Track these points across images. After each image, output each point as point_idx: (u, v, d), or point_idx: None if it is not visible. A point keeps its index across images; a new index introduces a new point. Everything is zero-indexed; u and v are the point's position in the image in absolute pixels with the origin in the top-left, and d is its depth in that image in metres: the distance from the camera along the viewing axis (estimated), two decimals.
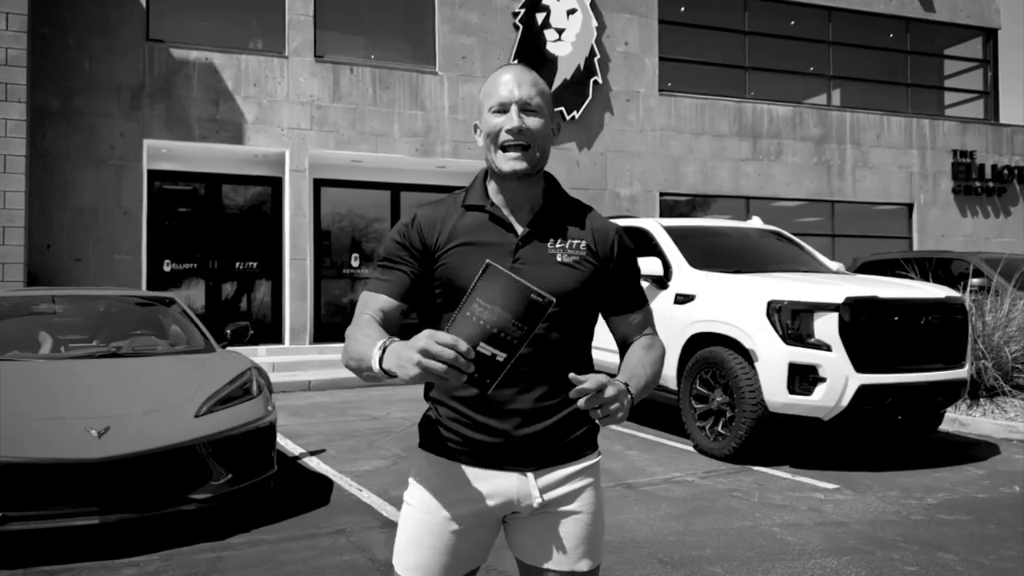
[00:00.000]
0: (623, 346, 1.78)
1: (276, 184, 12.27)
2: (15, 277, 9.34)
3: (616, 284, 1.73)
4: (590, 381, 1.41)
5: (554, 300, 1.34)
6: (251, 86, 11.54)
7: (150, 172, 11.43)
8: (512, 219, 1.68)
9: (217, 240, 12.15)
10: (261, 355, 11.16)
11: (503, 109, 1.62)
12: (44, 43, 10.54)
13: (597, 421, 1.45)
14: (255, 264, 12.40)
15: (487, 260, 1.34)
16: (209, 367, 4.83)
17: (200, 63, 11.31)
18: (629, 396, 1.54)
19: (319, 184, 12.67)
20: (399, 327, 1.66)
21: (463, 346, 1.30)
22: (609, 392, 1.43)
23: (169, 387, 4.44)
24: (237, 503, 4.24)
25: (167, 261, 11.83)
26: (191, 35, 11.52)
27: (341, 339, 1.74)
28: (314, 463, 5.75)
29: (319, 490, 5.05)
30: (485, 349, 1.34)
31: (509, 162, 1.61)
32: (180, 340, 5.49)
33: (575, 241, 1.68)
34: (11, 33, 9.39)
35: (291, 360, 10.82)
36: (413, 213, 1.72)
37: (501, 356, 1.35)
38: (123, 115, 10.93)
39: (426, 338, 1.31)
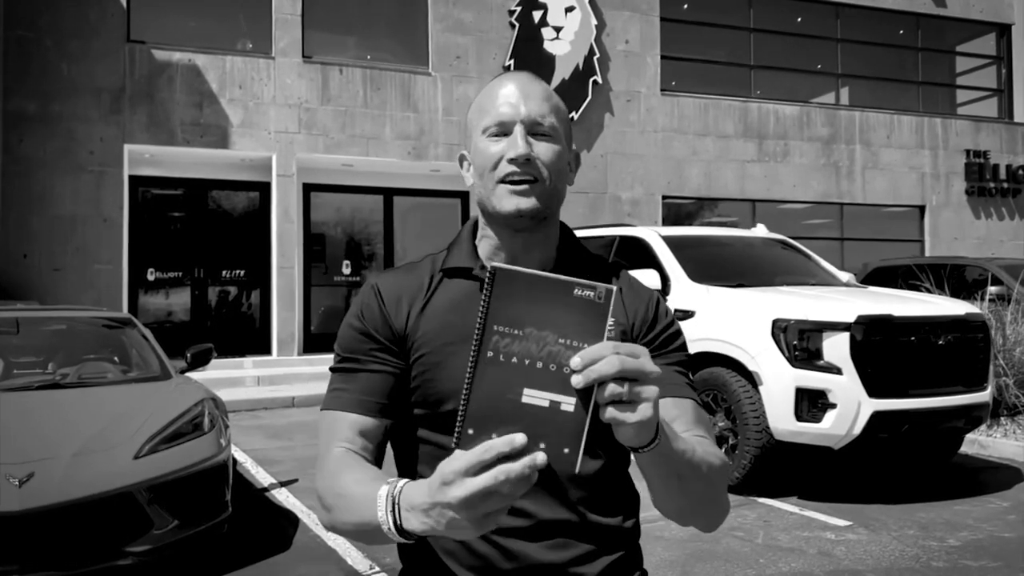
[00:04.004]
0: None
1: (264, 189, 11.87)
2: None
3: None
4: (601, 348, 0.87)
5: (615, 289, 0.89)
6: (236, 88, 11.15)
7: (132, 178, 11.04)
8: None
9: (203, 248, 11.77)
10: (247, 367, 10.78)
11: (503, 131, 1.18)
12: (20, 45, 10.16)
13: (608, 416, 0.89)
14: (242, 272, 12.01)
15: (493, 264, 0.90)
16: (159, 399, 4.42)
17: (183, 65, 10.92)
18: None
19: (309, 189, 12.28)
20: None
21: (519, 439, 0.84)
22: (645, 367, 0.88)
23: (109, 424, 4.02)
24: (183, 553, 3.83)
25: (151, 270, 11.46)
26: (173, 36, 11.13)
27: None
28: (282, 496, 5.34)
29: (282, 531, 4.64)
30: (536, 399, 0.87)
31: (513, 199, 1.16)
32: (135, 365, 5.07)
33: None
34: None
35: (277, 373, 10.42)
36: (372, 284, 1.26)
37: (568, 403, 0.87)
38: (103, 119, 10.54)
39: (446, 472, 0.86)
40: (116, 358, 5.15)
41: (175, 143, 10.83)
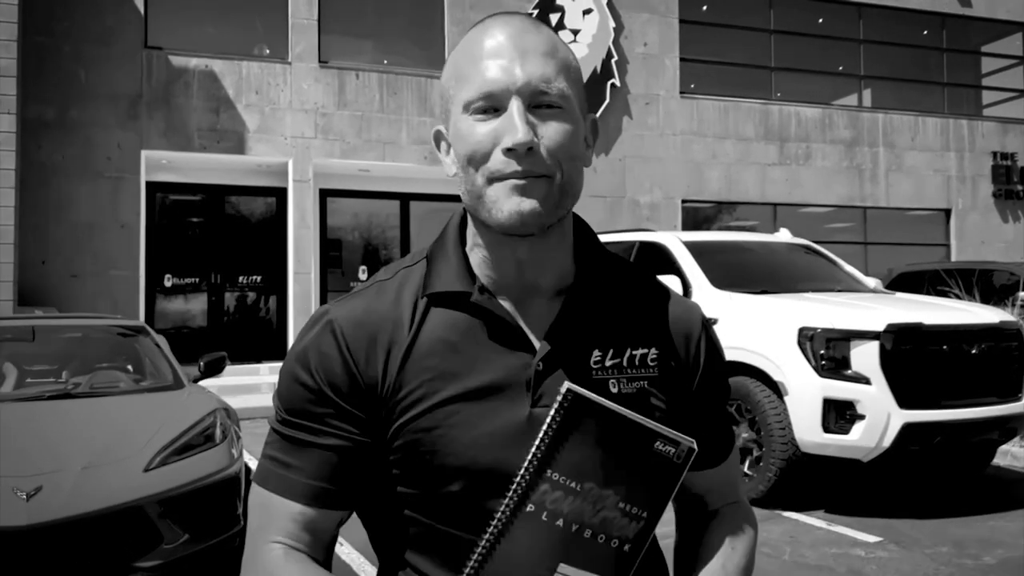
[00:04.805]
0: (694, 513, 1.04)
1: (280, 195, 11.84)
2: (5, 296, 8.97)
3: (699, 414, 0.98)
4: None
5: (695, 446, 0.73)
6: (253, 94, 11.12)
7: (149, 184, 11.05)
8: (522, 320, 0.90)
9: (220, 253, 11.76)
10: (263, 374, 10.74)
11: (493, 106, 0.85)
12: (38, 51, 10.18)
13: None
14: (259, 278, 12.00)
15: (567, 384, 0.70)
16: (170, 409, 4.34)
17: (200, 71, 10.91)
18: None
19: (325, 194, 12.24)
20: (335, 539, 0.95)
21: None
22: None
23: (119, 435, 3.94)
24: (194, 568, 3.74)
25: (168, 276, 11.46)
26: (190, 42, 11.13)
27: None
28: None
29: None
30: None
31: (512, 202, 0.84)
32: (148, 374, 5.01)
33: (638, 351, 0.92)
34: (0, 42, 9.03)
35: None
36: (328, 320, 0.93)
37: None
38: (120, 125, 10.55)
39: None
40: (129, 367, 5.10)
41: (192, 149, 10.83)
